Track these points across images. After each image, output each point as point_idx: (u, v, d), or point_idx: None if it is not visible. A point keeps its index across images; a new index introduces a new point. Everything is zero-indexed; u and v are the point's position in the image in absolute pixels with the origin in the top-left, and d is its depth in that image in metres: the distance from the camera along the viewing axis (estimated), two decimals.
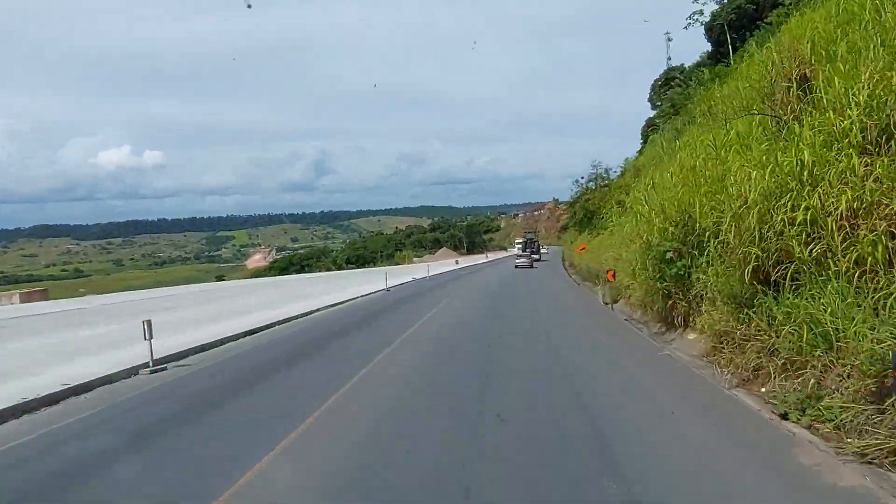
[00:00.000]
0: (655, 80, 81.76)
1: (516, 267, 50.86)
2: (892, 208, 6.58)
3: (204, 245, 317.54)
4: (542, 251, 67.63)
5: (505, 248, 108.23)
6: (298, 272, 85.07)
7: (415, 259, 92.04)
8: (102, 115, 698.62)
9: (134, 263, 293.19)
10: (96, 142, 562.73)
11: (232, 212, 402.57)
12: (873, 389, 5.65)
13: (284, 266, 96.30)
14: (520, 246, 62.99)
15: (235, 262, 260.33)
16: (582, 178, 51.44)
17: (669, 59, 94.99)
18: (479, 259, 76.12)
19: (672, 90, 41.24)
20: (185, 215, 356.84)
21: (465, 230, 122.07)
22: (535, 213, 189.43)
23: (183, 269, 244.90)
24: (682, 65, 67.28)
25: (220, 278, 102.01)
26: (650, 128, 60.81)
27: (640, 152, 46.79)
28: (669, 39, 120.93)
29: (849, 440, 5.69)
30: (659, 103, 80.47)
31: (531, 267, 51.38)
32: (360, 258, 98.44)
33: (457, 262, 62.36)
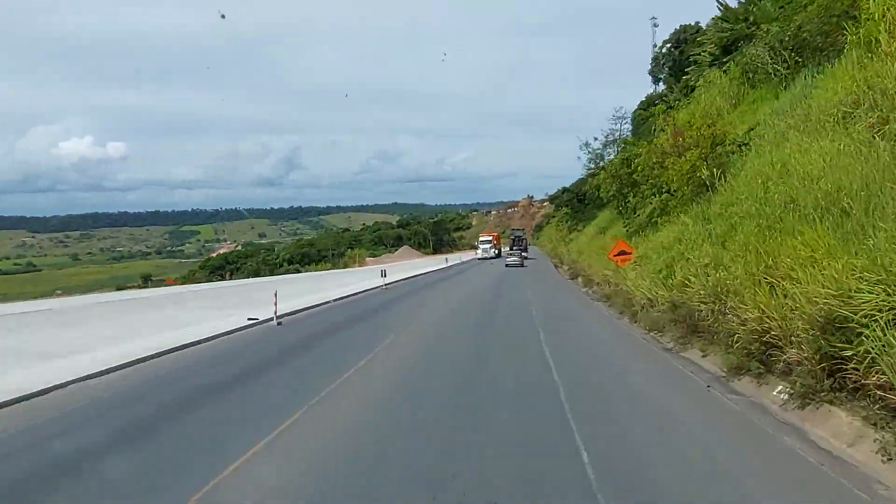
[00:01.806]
0: (657, 52, 69.26)
1: (507, 266, 46.23)
2: None
3: (167, 240, 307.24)
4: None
5: (475, 248, 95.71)
6: (233, 274, 69.99)
7: (368, 260, 77.24)
8: (64, 104, 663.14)
9: (91, 258, 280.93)
10: (58, 131, 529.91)
11: (198, 206, 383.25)
12: None
13: (219, 265, 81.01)
14: (485, 247, 65.03)
15: (199, 257, 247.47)
16: (595, 138, 36.98)
17: (655, 45, 78.45)
18: (430, 263, 54.15)
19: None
20: (149, 208, 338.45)
21: (432, 227, 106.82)
22: (509, 210, 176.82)
23: (142, 264, 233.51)
24: (697, 23, 53.90)
25: (146, 279, 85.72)
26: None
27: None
28: (655, 25, 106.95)
29: None
30: (662, 75, 67.71)
31: (521, 265, 46.45)
32: (305, 257, 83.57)
33: (383, 274, 47.06)
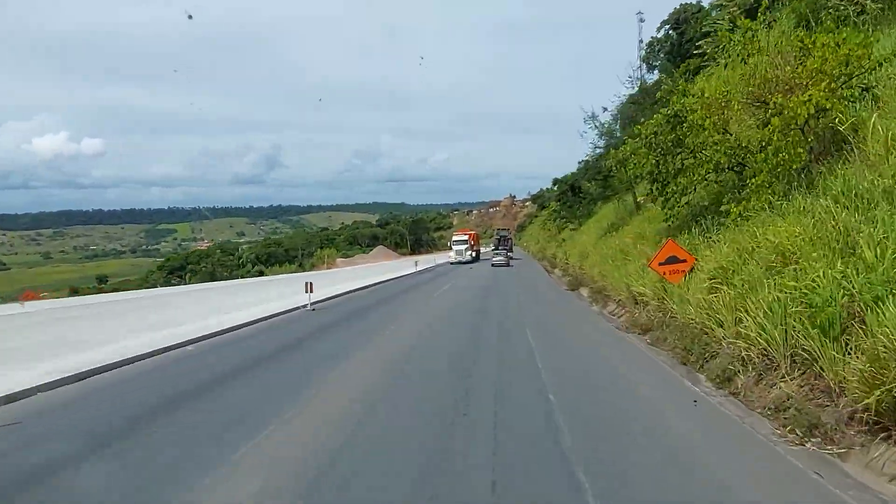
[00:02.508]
0: (651, 37, 62.27)
1: (493, 265, 43.46)
2: None
3: (142, 238, 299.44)
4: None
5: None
6: (191, 276, 61.92)
7: (339, 261, 69.55)
8: (39, 100, 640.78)
9: (64, 256, 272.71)
10: (31, 127, 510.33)
11: (175, 204, 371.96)
12: None
13: (179, 265, 72.83)
14: (460, 248, 51.34)
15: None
16: (605, 109, 29.77)
17: (641, 41, 76.36)
18: (397, 268, 43.72)
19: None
20: (125, 206, 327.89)
21: (410, 226, 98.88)
22: (491, 210, 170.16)
23: (116, 262, 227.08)
24: (699, 1, 47.20)
25: (102, 282, 77.08)
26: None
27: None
28: (642, 21, 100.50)
29: None
30: (657, 63, 60.64)
31: (507, 265, 43.52)
32: (271, 258, 75.66)
33: (308, 289, 38.73)
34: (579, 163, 25.15)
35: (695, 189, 12.64)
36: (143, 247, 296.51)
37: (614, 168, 15.65)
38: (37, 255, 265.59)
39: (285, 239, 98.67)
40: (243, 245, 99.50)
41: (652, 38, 61.14)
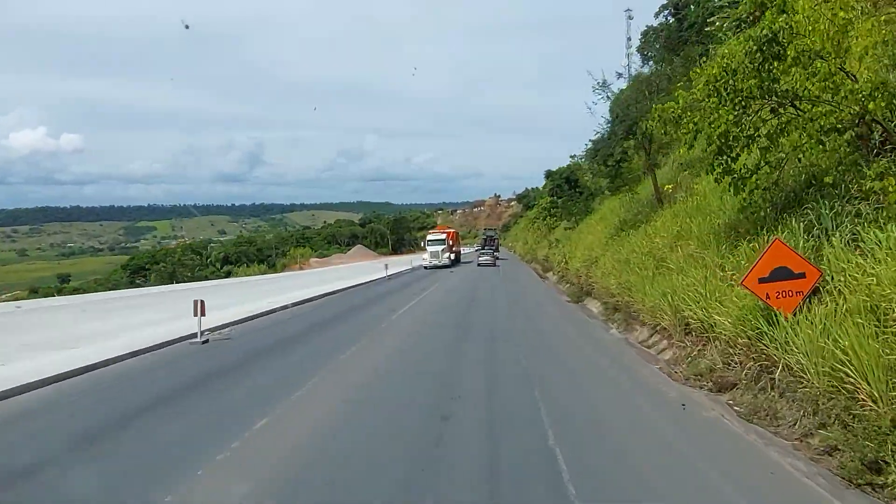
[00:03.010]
0: (649, 27, 58.06)
1: (479, 265, 42.82)
2: None
3: (121, 235, 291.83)
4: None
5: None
6: (156, 277, 56.16)
7: (313, 261, 64.06)
8: (16, 94, 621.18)
9: (40, 254, 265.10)
10: (8, 122, 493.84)
11: (156, 201, 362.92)
12: None
13: (143, 265, 66.69)
14: (435, 249, 41.98)
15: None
16: (620, 75, 25.16)
17: (629, 39, 70.87)
18: (363, 272, 36.28)
19: None
20: (104, 203, 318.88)
21: (392, 224, 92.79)
22: (475, 209, 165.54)
23: (93, 260, 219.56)
24: None
25: (64, 281, 70.84)
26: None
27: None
28: (630, 18, 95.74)
29: None
30: (653, 53, 56.18)
31: (493, 265, 42.72)
32: (242, 257, 69.82)
33: (197, 311, 31.53)
34: (585, 144, 20.23)
35: (799, 159, 7.91)
36: (122, 244, 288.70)
37: (654, 129, 10.57)
38: (12, 252, 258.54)
39: (259, 237, 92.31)
40: (214, 243, 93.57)
41: (647, 27, 56.21)
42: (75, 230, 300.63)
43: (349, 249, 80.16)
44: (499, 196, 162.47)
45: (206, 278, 55.70)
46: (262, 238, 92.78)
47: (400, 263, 44.19)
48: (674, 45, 42.18)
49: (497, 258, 49.55)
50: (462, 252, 60.87)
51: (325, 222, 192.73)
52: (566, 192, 29.68)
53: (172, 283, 48.94)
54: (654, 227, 14.25)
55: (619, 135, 17.01)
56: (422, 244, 50.40)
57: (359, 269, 42.94)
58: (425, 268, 40.72)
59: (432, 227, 67.77)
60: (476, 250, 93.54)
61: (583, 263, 18.10)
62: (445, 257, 42.30)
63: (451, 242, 44.51)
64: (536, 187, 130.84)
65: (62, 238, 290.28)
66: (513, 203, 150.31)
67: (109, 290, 44.15)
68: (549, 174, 34.09)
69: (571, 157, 26.86)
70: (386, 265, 34.09)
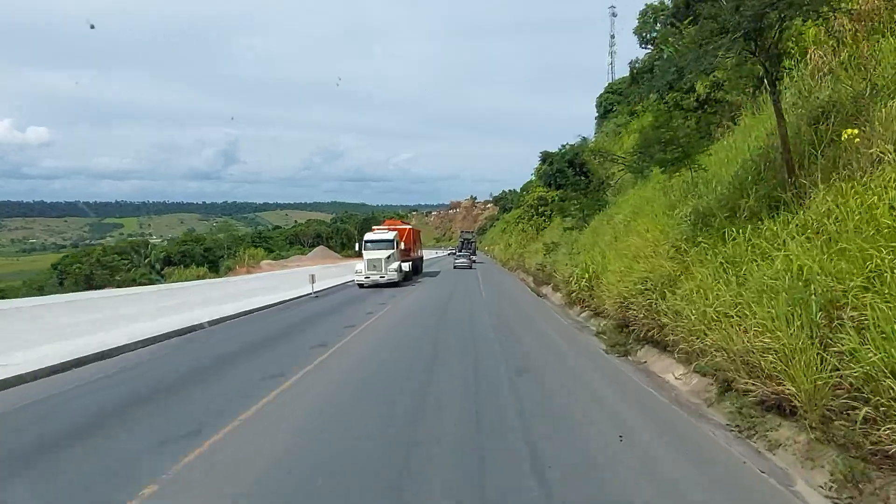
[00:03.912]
0: (648, 5, 50.76)
1: (455, 268, 41.16)
2: None
3: (86, 232, 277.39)
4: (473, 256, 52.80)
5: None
6: (70, 282, 46.12)
7: (264, 264, 54.75)
8: None
9: (0, 250, 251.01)
10: None
11: (125, 197, 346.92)
12: None
13: (57, 264, 56.31)
14: (376, 257, 26.46)
15: None
16: None
17: (613, 36, 71.80)
18: (285, 285, 26.50)
19: None
20: (69, 198, 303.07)
21: (361, 224, 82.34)
22: (451, 211, 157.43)
23: (55, 257, 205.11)
24: None
25: None
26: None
27: None
28: (614, 15, 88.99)
29: None
30: (654, 34, 48.57)
31: (470, 267, 41.25)
32: (185, 258, 59.98)
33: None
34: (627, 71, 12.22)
35: None
36: (87, 241, 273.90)
37: None
38: None
39: (207, 236, 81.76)
40: (155, 240, 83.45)
41: (647, 5, 48.57)
42: (38, 226, 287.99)
43: (311, 251, 70.70)
44: (475, 198, 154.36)
45: (136, 282, 46.13)
46: (212, 237, 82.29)
47: (349, 270, 30.46)
48: (685, 18, 34.58)
49: (474, 261, 47.93)
50: (428, 257, 50.76)
51: (296, 221, 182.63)
52: (570, 179, 21.37)
53: (87, 288, 39.41)
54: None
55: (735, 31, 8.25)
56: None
57: (292, 278, 31.65)
58: (360, 285, 25.66)
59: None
60: (450, 253, 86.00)
61: (634, 284, 9.76)
62: (392, 269, 25.89)
63: (403, 245, 28.90)
64: (514, 189, 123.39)
65: (24, 234, 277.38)
66: (489, 205, 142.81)
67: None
68: (546, 157, 25.48)
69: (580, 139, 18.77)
70: (312, 276, 22.80)
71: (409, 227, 33.40)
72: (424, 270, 37.81)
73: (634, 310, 9.83)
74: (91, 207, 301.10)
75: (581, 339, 11.57)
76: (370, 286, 25.23)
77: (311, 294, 21.54)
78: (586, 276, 13.17)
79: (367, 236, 28.10)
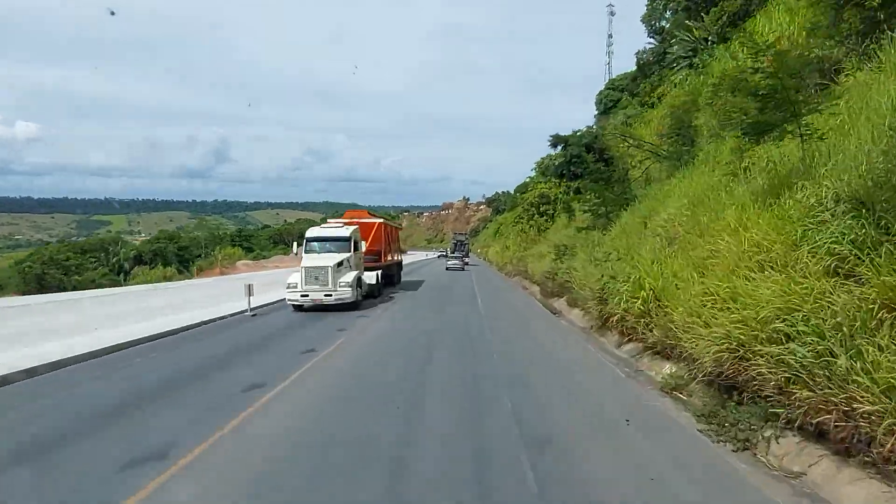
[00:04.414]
0: None
1: (447, 269, 39.62)
2: None
3: (73, 229, 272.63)
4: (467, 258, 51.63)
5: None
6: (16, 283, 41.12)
7: (241, 265, 49.89)
8: None
9: None
10: None
11: (113, 195, 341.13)
12: None
13: (22, 262, 51.25)
14: (315, 265, 16.71)
15: None
16: None
17: (610, 36, 69.32)
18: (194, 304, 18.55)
19: None
20: (57, 195, 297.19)
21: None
22: (443, 212, 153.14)
23: (23, 255, 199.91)
24: None
25: None
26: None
27: None
28: (612, 13, 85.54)
29: None
30: (665, 21, 45.66)
31: (462, 269, 39.88)
32: (157, 257, 55.04)
33: None
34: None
35: None
36: (74, 238, 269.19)
37: None
38: None
39: (184, 234, 76.34)
40: (145, 238, 78.23)
41: None
42: (25, 222, 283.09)
43: (294, 251, 65.93)
44: (467, 199, 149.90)
45: (95, 283, 41.22)
46: (189, 235, 76.89)
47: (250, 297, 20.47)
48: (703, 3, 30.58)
49: (466, 263, 46.56)
50: (415, 259, 47.72)
51: (285, 221, 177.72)
52: (590, 166, 16.93)
53: (39, 291, 34.61)
54: None
55: None
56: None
57: (255, 282, 21.78)
58: (296, 307, 17.07)
59: (396, 229, 30.71)
60: (439, 255, 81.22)
61: (755, 322, 5.45)
62: (345, 283, 17.08)
63: (368, 247, 20.62)
64: (507, 191, 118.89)
65: (10, 230, 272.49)
66: (482, 207, 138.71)
67: None
68: (557, 141, 20.75)
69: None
70: (249, 286, 16.47)
71: (380, 221, 23.58)
72: (406, 279, 29.78)
73: (758, 366, 5.47)
74: (78, 204, 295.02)
75: (651, 406, 7.06)
76: (311, 308, 16.64)
77: (246, 312, 16.10)
78: (641, 294, 8.76)
79: (311, 232, 19.15)
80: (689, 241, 9.18)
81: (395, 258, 26.76)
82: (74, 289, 37.93)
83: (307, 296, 16.56)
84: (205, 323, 13.88)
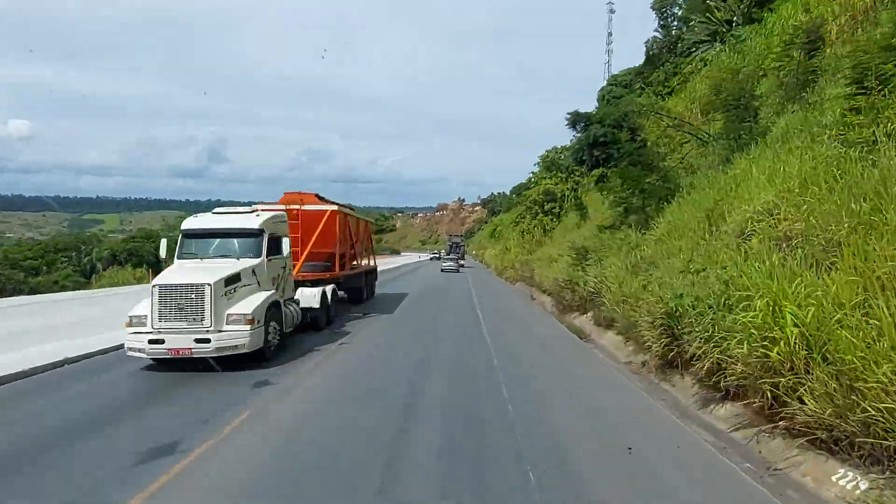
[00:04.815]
0: None
1: (442, 270, 38.68)
2: None
3: (65, 228, 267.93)
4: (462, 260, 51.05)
5: (400, 254, 64.41)
6: None
7: None
8: None
9: None
10: None
11: (106, 193, 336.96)
12: None
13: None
14: (188, 275, 9.28)
15: None
16: None
17: (610, 34, 69.20)
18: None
19: None
20: (49, 193, 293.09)
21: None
22: (438, 213, 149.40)
23: None
24: None
25: None
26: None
27: None
28: (612, 11, 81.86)
29: None
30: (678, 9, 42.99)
31: (457, 271, 38.57)
32: (133, 257, 50.94)
33: None
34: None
35: None
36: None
37: None
38: None
39: (161, 232, 72.55)
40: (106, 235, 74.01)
41: None
42: (16, 220, 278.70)
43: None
44: (462, 200, 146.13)
45: (58, 284, 37.18)
46: (166, 233, 72.74)
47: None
48: None
49: (462, 265, 46.48)
50: (407, 262, 44.65)
51: None
52: (626, 147, 13.05)
53: None
54: None
55: None
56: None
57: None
58: (153, 360, 9.33)
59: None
60: (432, 258, 77.27)
61: None
62: (235, 319, 9.14)
63: (310, 245, 14.00)
64: (503, 192, 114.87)
65: (1, 228, 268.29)
66: (477, 208, 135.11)
67: None
68: (577, 118, 16.68)
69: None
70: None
71: (334, 208, 15.18)
72: (385, 292, 22.83)
73: None
74: (70, 202, 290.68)
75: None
76: (174, 361, 9.13)
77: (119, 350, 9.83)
78: (782, 335, 4.94)
79: (191, 223, 11.14)
80: (849, 243, 5.40)
81: (364, 263, 19.42)
82: (32, 291, 33.89)
83: (161, 341, 8.90)
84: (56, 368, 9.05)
